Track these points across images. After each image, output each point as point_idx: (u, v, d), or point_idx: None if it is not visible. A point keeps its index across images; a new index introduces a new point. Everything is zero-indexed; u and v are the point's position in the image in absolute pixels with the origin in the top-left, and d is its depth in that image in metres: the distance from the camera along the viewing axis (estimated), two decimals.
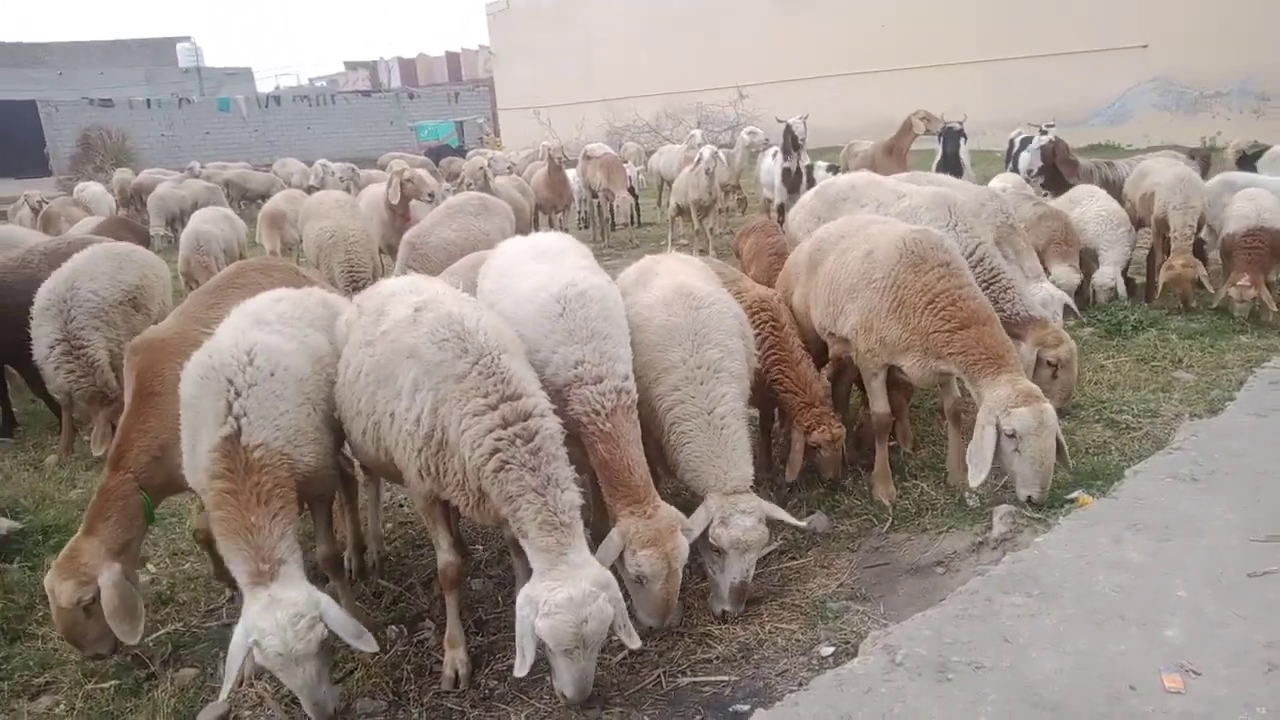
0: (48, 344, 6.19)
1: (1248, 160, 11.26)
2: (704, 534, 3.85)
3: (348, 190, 14.52)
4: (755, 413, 5.25)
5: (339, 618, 3.31)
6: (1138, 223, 8.58)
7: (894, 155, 12.69)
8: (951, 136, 12.30)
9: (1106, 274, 8.03)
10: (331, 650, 3.35)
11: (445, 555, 3.72)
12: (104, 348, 6.33)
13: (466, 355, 3.39)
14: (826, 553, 4.52)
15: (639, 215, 16.83)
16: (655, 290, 4.38)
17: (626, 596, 3.79)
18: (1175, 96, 23.75)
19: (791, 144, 12.21)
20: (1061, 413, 5.30)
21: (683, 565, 3.62)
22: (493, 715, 3.50)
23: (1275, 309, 7.26)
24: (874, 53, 28.64)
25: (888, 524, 4.71)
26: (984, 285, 5.08)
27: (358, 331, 3.81)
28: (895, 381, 5.07)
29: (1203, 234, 8.19)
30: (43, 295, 6.30)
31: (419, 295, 3.75)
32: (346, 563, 4.51)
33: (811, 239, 5.50)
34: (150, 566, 4.93)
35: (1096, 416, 5.66)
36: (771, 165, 13.35)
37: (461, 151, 28.86)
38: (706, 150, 13.09)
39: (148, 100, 41.25)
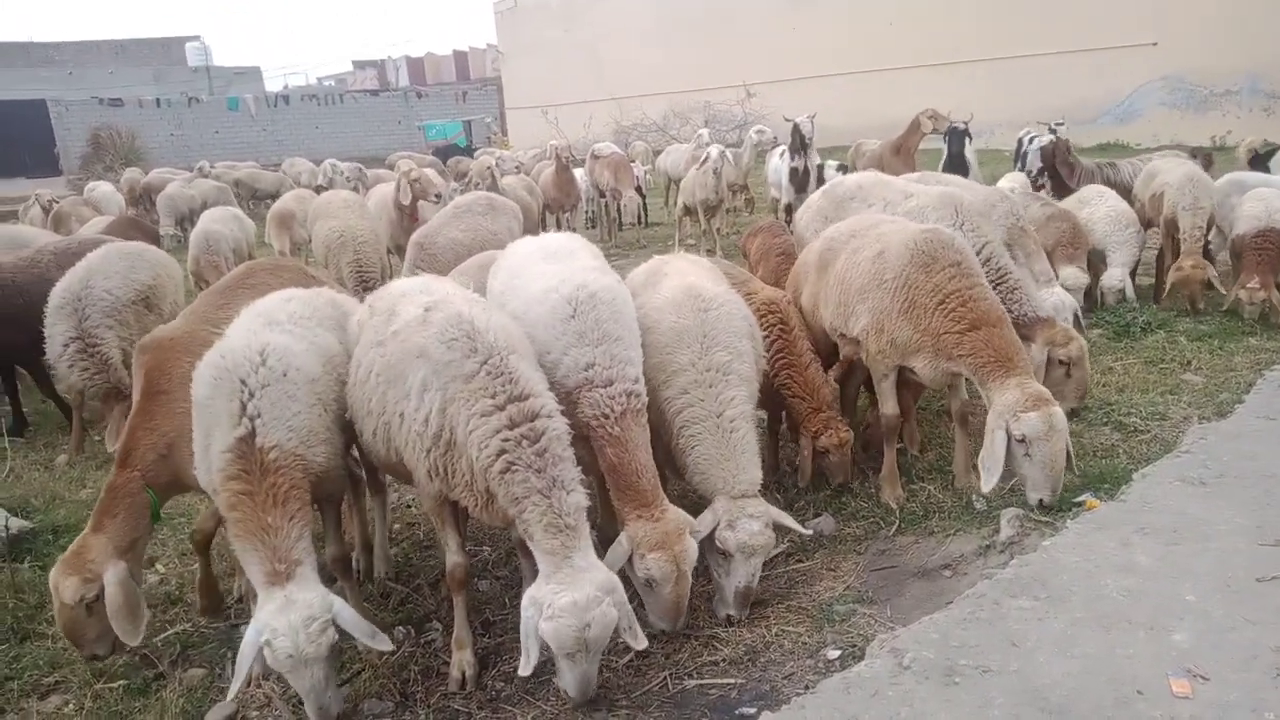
0: (62, 342, 6.23)
1: (1260, 159, 11.19)
2: (710, 537, 3.85)
3: (355, 190, 14.53)
4: (763, 414, 5.25)
5: (352, 619, 3.33)
6: (1146, 223, 8.54)
7: (902, 154, 12.68)
8: (956, 136, 12.28)
9: (1115, 275, 7.99)
10: (340, 653, 3.36)
11: (454, 556, 3.73)
12: (117, 346, 6.37)
13: (475, 355, 3.39)
14: (833, 555, 4.52)
15: (646, 215, 16.83)
16: (664, 292, 4.38)
17: (636, 599, 3.81)
18: (1185, 95, 23.63)
19: (799, 143, 12.20)
20: (1070, 415, 5.29)
21: (692, 568, 3.62)
22: (499, 716, 3.51)
23: None
24: (882, 52, 28.57)
25: (895, 527, 4.70)
26: (992, 285, 5.05)
27: (369, 332, 3.82)
28: (904, 382, 5.06)
29: (1210, 235, 8.15)
30: (57, 294, 6.33)
31: (429, 295, 3.76)
32: (355, 563, 4.52)
33: (822, 238, 5.49)
34: (159, 567, 4.96)
35: (1104, 419, 5.64)
36: (779, 165, 13.34)
37: (469, 151, 28.87)
38: (714, 150, 13.08)
39: (157, 99, 41.39)
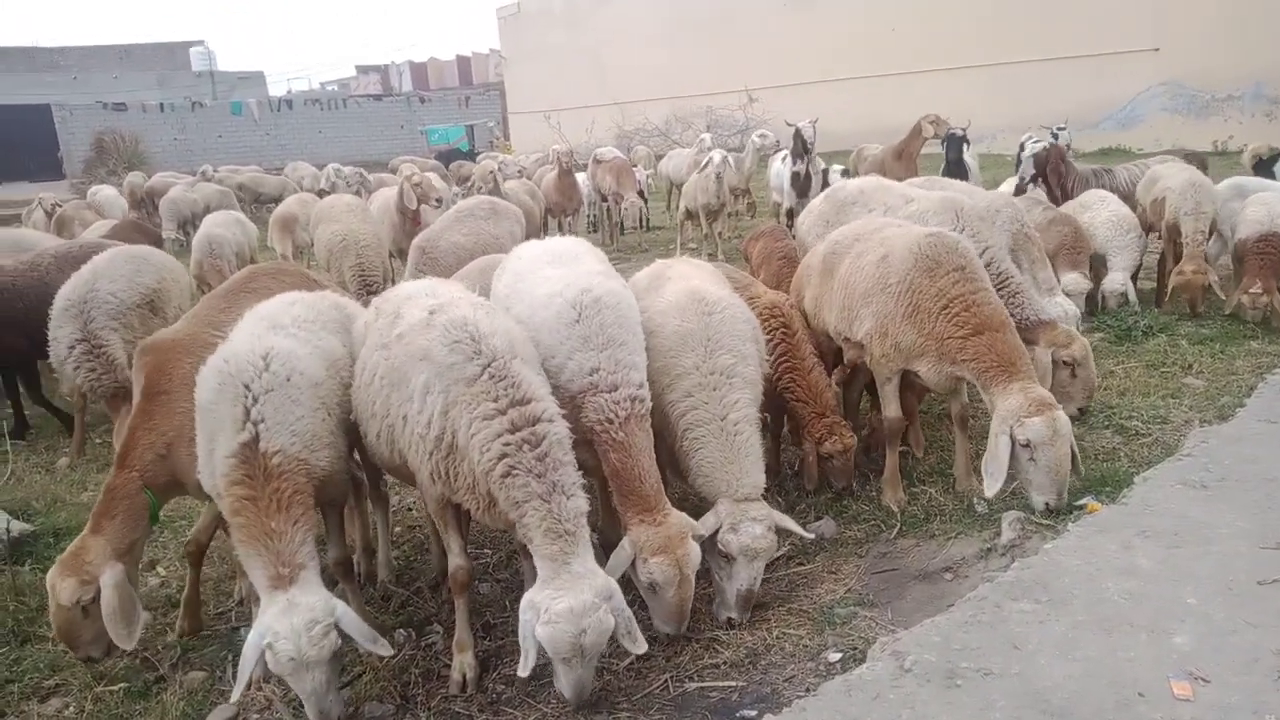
0: (67, 344, 6.24)
1: (1264, 165, 11.16)
2: (712, 539, 3.85)
3: (357, 195, 14.55)
4: (764, 416, 5.25)
5: (354, 623, 3.33)
6: (1148, 228, 8.54)
7: (904, 159, 12.70)
8: (954, 142, 12.30)
9: (1116, 280, 7.98)
10: (341, 657, 3.37)
11: (456, 559, 3.74)
12: (122, 349, 6.37)
13: (478, 358, 3.40)
14: (834, 558, 4.51)
15: (648, 219, 16.85)
16: (668, 295, 4.39)
17: (639, 602, 3.81)
18: (1186, 100, 23.63)
19: (801, 148, 12.20)
20: (1077, 415, 5.29)
21: (694, 572, 3.62)
22: (500, 719, 3.51)
23: None
24: (884, 56, 28.59)
25: (896, 530, 4.70)
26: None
27: (374, 334, 3.83)
28: (908, 385, 5.06)
29: (1210, 239, 8.15)
30: (62, 297, 6.34)
31: (434, 298, 3.77)
32: (355, 566, 4.52)
33: (825, 242, 5.49)
34: (160, 569, 4.96)
35: (1106, 423, 5.63)
36: (781, 169, 13.34)
37: (472, 155, 28.94)
38: (716, 154, 13.09)
39: (161, 104, 41.53)
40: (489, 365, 3.39)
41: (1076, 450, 4.33)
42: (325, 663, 3.20)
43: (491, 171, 12.86)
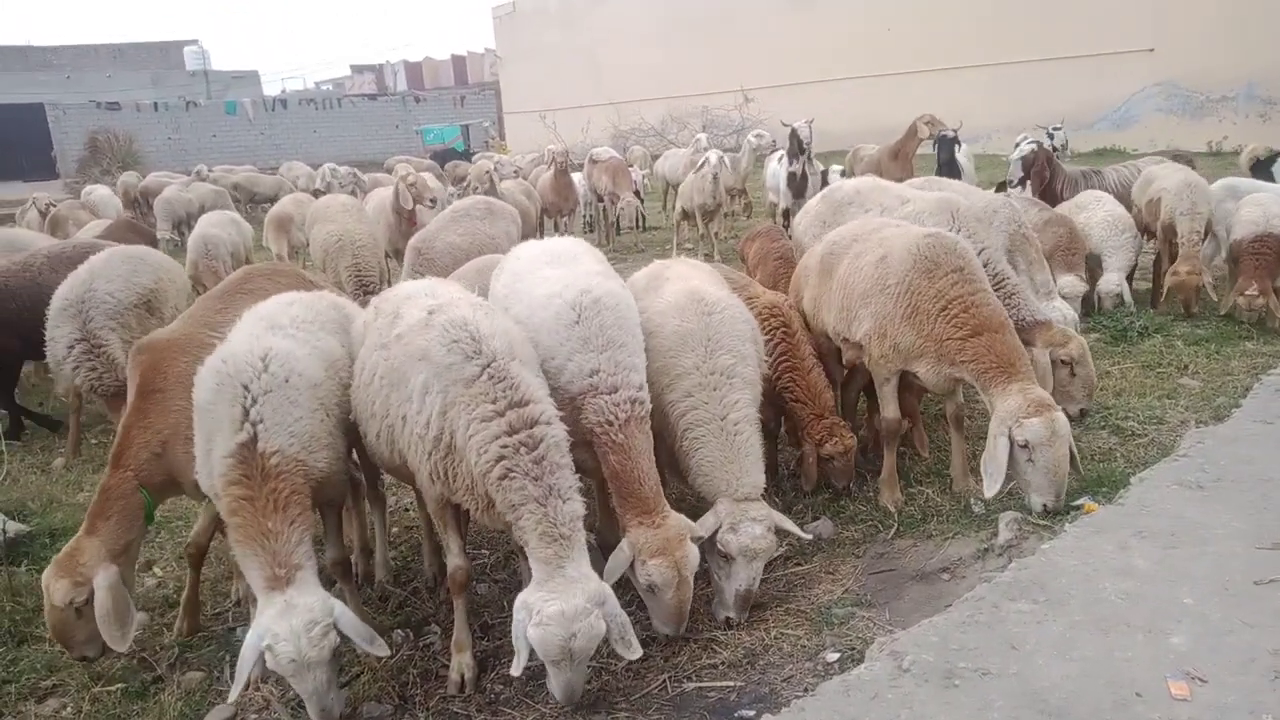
0: (66, 344, 6.21)
1: (1262, 166, 11.18)
2: (711, 539, 3.86)
3: (352, 194, 14.54)
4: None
5: (352, 623, 3.33)
6: (1143, 229, 8.56)
7: (899, 160, 12.72)
8: (945, 144, 12.33)
9: (1111, 280, 8.00)
10: (340, 656, 3.36)
11: (455, 559, 3.74)
12: (121, 349, 6.36)
13: (477, 358, 3.40)
14: (832, 559, 4.52)
15: (644, 219, 16.85)
16: (667, 296, 4.39)
17: (640, 605, 3.81)
18: (1181, 100, 23.72)
19: (797, 148, 12.21)
20: (1078, 415, 5.30)
21: (693, 573, 3.63)
22: (498, 719, 3.51)
23: None
24: (880, 56, 28.65)
25: (893, 530, 4.71)
26: None
27: (373, 334, 3.83)
28: (907, 385, 5.06)
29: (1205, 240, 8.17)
30: (59, 297, 6.32)
31: (434, 299, 3.77)
32: (353, 567, 4.51)
33: (824, 243, 5.49)
34: (157, 570, 4.95)
35: (1102, 423, 5.65)
36: (777, 169, 13.36)
37: (467, 155, 28.93)
38: (713, 155, 13.12)
39: (154, 103, 41.45)
40: (488, 366, 3.39)
41: (1075, 451, 4.34)
42: (326, 662, 3.20)
43: (488, 172, 12.84)
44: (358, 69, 67.02)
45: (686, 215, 13.51)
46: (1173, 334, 7.49)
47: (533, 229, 11.98)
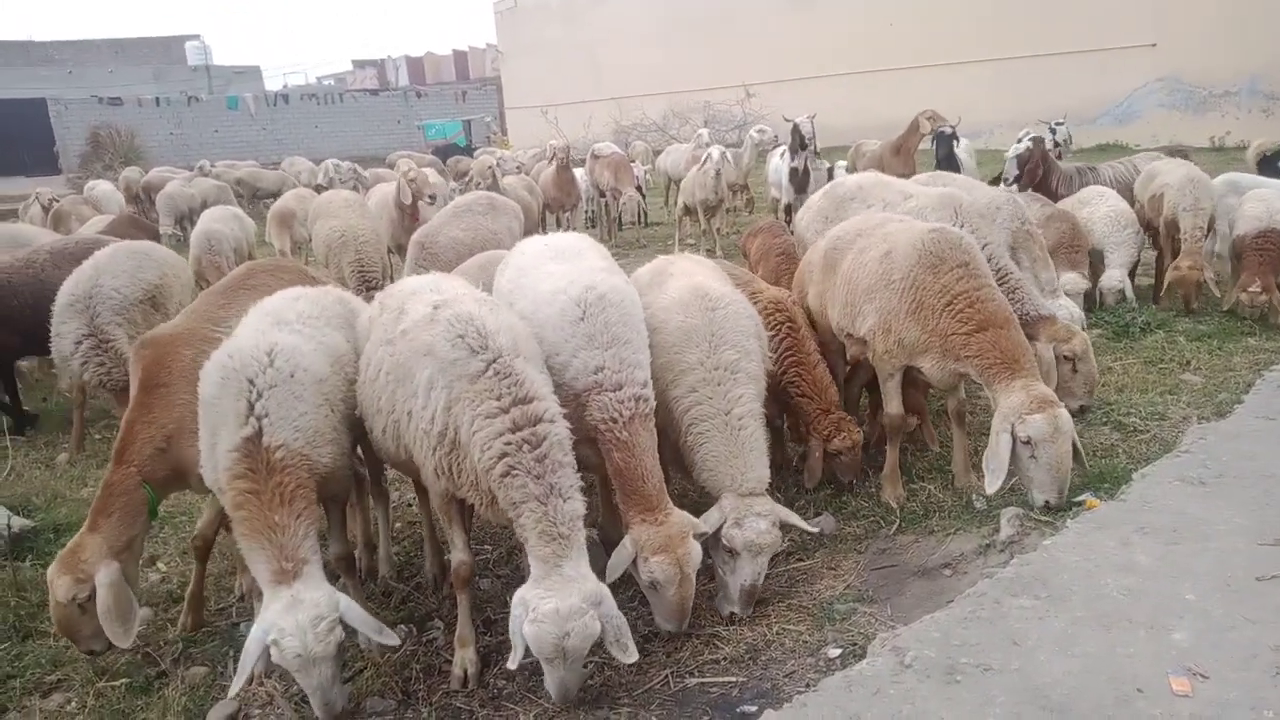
0: (74, 339, 6.22)
1: (1269, 161, 11.15)
2: (716, 534, 3.86)
3: (354, 190, 14.52)
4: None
5: (359, 615, 3.35)
6: (1146, 224, 8.54)
7: (901, 155, 12.71)
8: (943, 140, 12.34)
9: (1114, 276, 7.99)
10: (344, 650, 3.38)
11: (459, 554, 3.75)
12: (128, 344, 6.37)
13: (482, 353, 3.40)
14: (834, 554, 4.53)
15: (646, 215, 16.84)
16: (671, 291, 4.39)
17: (642, 601, 3.82)
18: (1184, 96, 23.68)
19: (799, 143, 12.20)
20: (1080, 411, 5.31)
21: (695, 570, 3.63)
22: (501, 715, 3.52)
23: None
24: (882, 52, 28.59)
25: (895, 526, 4.71)
26: None
27: (379, 329, 3.84)
28: (911, 380, 5.06)
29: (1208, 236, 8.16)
30: (65, 292, 6.33)
31: (439, 294, 3.78)
32: (357, 562, 4.53)
33: (827, 238, 5.49)
34: (161, 565, 4.97)
35: (1104, 419, 5.65)
36: (779, 165, 13.34)
37: (469, 150, 28.86)
38: (715, 150, 13.10)
39: (156, 98, 41.35)
40: (493, 362, 3.39)
41: (1080, 447, 4.34)
42: (331, 658, 3.22)
43: (490, 167, 12.85)
44: (359, 64, 66.97)
45: (688, 211, 13.50)
46: (1175, 330, 7.49)
47: (535, 224, 11.97)
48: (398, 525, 5.28)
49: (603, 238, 15.07)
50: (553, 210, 14.09)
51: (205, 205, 14.72)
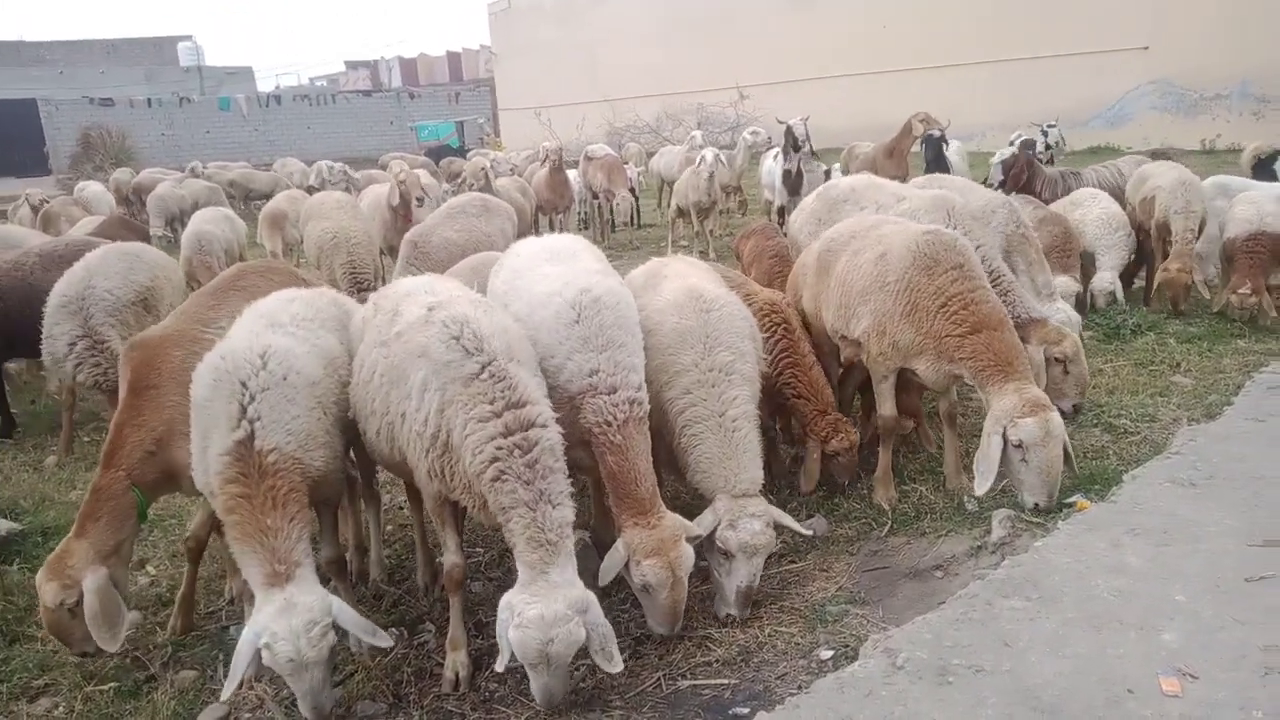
0: (67, 341, 6.19)
1: (1263, 164, 11.19)
2: (711, 536, 3.86)
3: (345, 191, 14.50)
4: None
5: (352, 618, 3.34)
6: (1137, 227, 8.57)
7: (894, 157, 12.72)
8: (932, 144, 12.41)
9: (1104, 278, 8.02)
10: (335, 654, 3.36)
11: (452, 556, 3.74)
12: (120, 346, 6.35)
13: (477, 355, 3.39)
14: (825, 556, 4.53)
15: (639, 216, 16.84)
16: (665, 293, 4.39)
17: (635, 603, 3.81)
18: (1175, 98, 23.79)
19: (792, 145, 12.21)
20: (1071, 412, 5.31)
21: (688, 574, 3.63)
22: (493, 717, 3.51)
23: (1275, 314, 7.27)
24: (876, 54, 28.68)
25: (887, 528, 4.72)
26: None
27: (373, 331, 3.83)
28: (905, 382, 5.07)
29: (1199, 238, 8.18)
30: (58, 294, 6.30)
31: (433, 295, 3.77)
32: (348, 565, 4.51)
33: (821, 240, 5.49)
34: (150, 568, 4.94)
35: (1095, 421, 5.66)
36: (773, 167, 13.36)
37: (462, 152, 28.85)
38: (709, 153, 13.11)
39: (148, 99, 41.25)
40: (488, 365, 3.39)
41: (1071, 450, 4.35)
42: (323, 662, 3.21)
43: (483, 168, 12.83)
44: (352, 65, 66.87)
45: (682, 213, 13.51)
46: (1165, 332, 7.52)
47: (528, 226, 11.96)
48: (389, 528, 5.26)
49: (596, 239, 15.07)
50: (545, 212, 14.08)
51: (196, 207, 14.67)
